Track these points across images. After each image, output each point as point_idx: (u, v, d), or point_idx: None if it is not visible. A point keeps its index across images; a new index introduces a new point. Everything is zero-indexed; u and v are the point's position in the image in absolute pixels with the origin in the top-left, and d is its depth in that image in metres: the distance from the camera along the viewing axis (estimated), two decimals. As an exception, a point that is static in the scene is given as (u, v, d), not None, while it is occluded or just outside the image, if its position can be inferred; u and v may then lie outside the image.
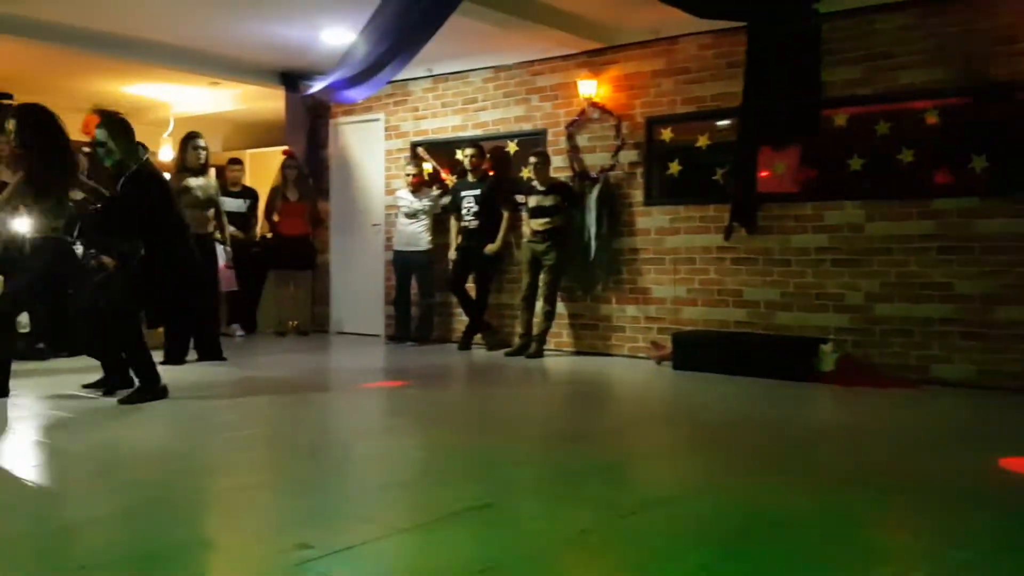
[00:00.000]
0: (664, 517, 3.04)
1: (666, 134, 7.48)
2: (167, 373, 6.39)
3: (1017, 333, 5.88)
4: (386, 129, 9.27)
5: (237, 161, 9.25)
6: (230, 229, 7.60)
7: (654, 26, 7.16)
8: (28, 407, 5.05)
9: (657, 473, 3.82)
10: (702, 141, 7.24)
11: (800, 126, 6.57)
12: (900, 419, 5.10)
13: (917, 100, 6.33)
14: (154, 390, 5.22)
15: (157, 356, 6.72)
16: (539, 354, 7.45)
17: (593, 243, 7.59)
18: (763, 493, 3.33)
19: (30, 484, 3.43)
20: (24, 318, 6.89)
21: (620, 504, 3.19)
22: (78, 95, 10.10)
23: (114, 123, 5.24)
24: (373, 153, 9.39)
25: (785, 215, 6.85)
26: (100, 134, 5.19)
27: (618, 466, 3.86)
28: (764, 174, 6.92)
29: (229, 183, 8.73)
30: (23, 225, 5.26)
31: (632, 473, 3.81)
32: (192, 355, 6.93)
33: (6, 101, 10.02)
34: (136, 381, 5.27)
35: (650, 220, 7.54)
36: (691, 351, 6.79)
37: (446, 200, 8.34)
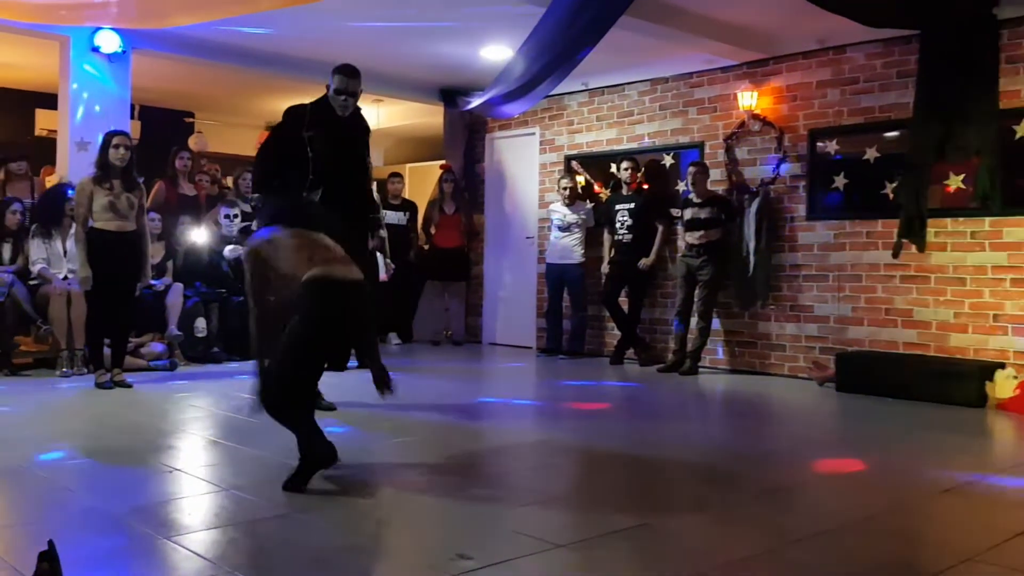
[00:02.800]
0: (832, 546, 2.94)
1: (831, 146, 7.22)
2: (330, 378, 6.77)
3: None
4: (541, 143, 9.40)
5: (397, 175, 9.62)
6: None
7: (820, 35, 6.93)
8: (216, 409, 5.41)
9: (825, 501, 3.68)
10: (870, 154, 6.95)
11: (979, 139, 6.18)
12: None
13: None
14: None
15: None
16: (693, 371, 7.34)
17: (752, 258, 7.41)
18: (933, 528, 3.16)
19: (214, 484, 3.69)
20: (200, 323, 7.44)
21: (786, 530, 3.11)
22: (254, 113, 10.83)
23: None
24: (528, 167, 9.53)
25: (960, 231, 6.47)
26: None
27: (784, 490, 3.76)
28: (947, 189, 6.56)
29: (390, 196, 9.10)
30: None
31: (799, 499, 3.70)
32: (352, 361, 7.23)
33: (188, 119, 10.87)
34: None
35: (813, 235, 7.29)
36: (857, 372, 6.51)
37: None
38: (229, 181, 8.90)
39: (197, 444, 4.53)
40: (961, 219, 6.47)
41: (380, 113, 10.27)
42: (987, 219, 6.34)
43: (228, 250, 7.71)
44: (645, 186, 8.26)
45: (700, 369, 7.46)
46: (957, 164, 6.44)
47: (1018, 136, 6.21)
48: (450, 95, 9.35)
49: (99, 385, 5.95)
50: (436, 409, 5.57)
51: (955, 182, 6.50)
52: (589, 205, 8.61)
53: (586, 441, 4.78)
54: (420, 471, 4.05)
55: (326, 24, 6.97)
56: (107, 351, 6.12)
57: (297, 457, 3.44)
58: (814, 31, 6.81)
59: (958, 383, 5.99)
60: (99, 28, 7.15)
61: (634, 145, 8.57)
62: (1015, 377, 5.86)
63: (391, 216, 8.69)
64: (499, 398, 6.50)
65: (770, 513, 3.38)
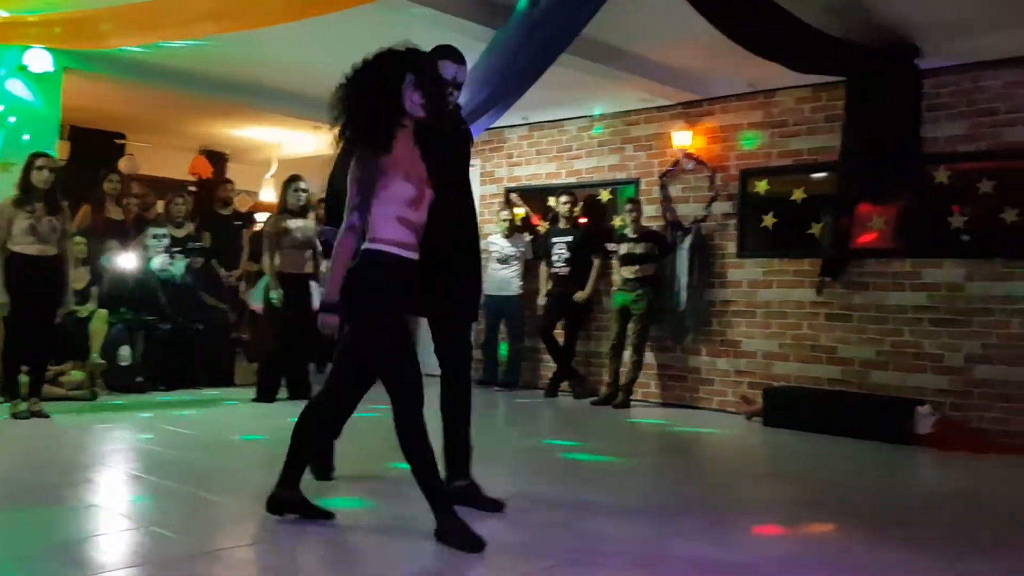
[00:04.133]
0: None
1: (761, 186, 7.41)
2: (257, 410, 6.67)
3: None
4: (481, 175, 9.45)
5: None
6: None
7: (751, 79, 7.14)
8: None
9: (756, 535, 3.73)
10: (798, 195, 7.15)
11: (900, 182, 6.43)
12: (1008, 486, 4.88)
13: (1021, 159, 6.14)
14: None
15: (249, 392, 7.06)
16: (626, 404, 7.41)
17: (684, 293, 7.54)
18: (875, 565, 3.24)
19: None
20: (125, 351, 7.25)
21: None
22: (188, 135, 10.66)
23: None
24: (466, 197, 9.54)
25: (883, 272, 6.69)
26: None
27: (703, 526, 3.80)
28: (863, 233, 6.78)
29: (323, 222, 9.01)
30: None
31: (727, 532, 3.74)
32: (283, 393, 7.14)
33: (119, 141, 10.64)
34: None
35: (743, 272, 7.46)
36: (783, 407, 6.66)
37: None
38: (160, 205, 8.73)
39: (117, 478, 4.39)
40: (883, 260, 6.69)
41: (320, 139, 10.21)
42: (908, 260, 6.57)
43: (158, 262, 7.58)
44: (582, 220, 8.36)
45: (633, 402, 7.54)
46: (880, 207, 6.67)
47: (937, 181, 6.47)
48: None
49: (15, 415, 5.74)
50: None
51: (878, 224, 6.72)
52: (527, 237, 8.67)
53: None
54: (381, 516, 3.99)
55: (265, 49, 6.92)
56: (27, 379, 5.91)
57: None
58: (746, 74, 7.02)
59: (879, 419, 6.16)
60: (28, 47, 6.97)
61: (573, 179, 8.67)
62: (933, 414, 6.05)
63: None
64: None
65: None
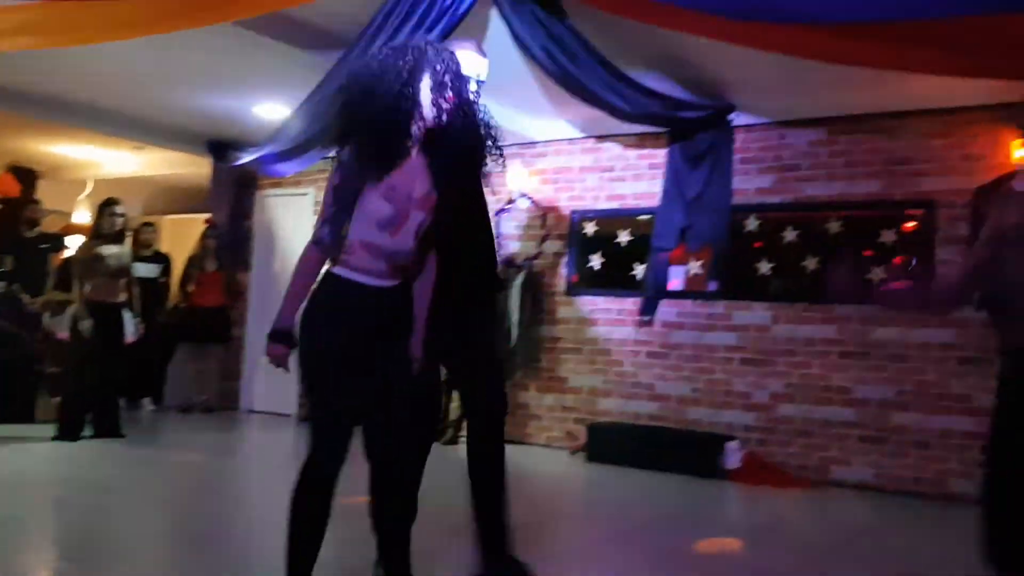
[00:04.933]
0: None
1: (589, 228, 7.69)
2: (58, 450, 6.20)
3: (911, 439, 6.14)
4: (315, 204, 9.27)
5: (150, 224, 9.10)
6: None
7: (583, 125, 7.42)
8: None
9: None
10: (623, 236, 7.47)
11: (713, 229, 6.84)
12: (798, 521, 5.23)
13: (821, 211, 6.68)
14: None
15: (49, 430, 6.55)
16: (454, 441, 7.41)
17: (514, 330, 7.67)
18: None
19: None
20: None
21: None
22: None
23: None
24: (299, 227, 9.34)
25: (697, 312, 7.07)
26: None
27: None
28: (680, 275, 7.15)
29: (141, 246, 8.59)
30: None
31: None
32: (88, 430, 6.69)
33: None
34: None
35: (571, 310, 7.68)
36: (604, 443, 6.87)
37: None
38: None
39: None
40: (698, 301, 7.07)
41: (141, 160, 9.73)
42: (721, 302, 6.98)
43: None
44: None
45: (460, 439, 7.54)
46: (695, 251, 7.07)
47: (747, 229, 6.93)
48: (220, 148, 9.01)
49: None
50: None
51: (694, 267, 7.12)
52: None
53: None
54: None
55: (84, 65, 6.53)
56: None
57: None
58: (577, 119, 7.28)
59: (693, 454, 6.47)
60: None
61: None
62: (740, 449, 6.42)
63: (142, 268, 8.16)
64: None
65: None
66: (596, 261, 7.62)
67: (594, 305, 7.58)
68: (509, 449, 3.36)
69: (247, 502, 5.29)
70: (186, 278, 8.93)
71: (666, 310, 7.16)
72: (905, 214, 6.39)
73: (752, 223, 6.93)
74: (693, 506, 5.49)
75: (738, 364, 6.87)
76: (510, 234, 8.04)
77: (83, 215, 9.78)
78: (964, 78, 5.03)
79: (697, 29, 4.72)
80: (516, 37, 5.20)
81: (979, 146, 6.13)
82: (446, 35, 4.78)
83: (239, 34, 5.48)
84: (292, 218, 9.43)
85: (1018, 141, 5.93)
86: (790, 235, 6.76)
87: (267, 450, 7.44)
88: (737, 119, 6.74)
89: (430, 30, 4.86)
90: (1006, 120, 5.99)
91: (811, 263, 6.64)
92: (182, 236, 10.01)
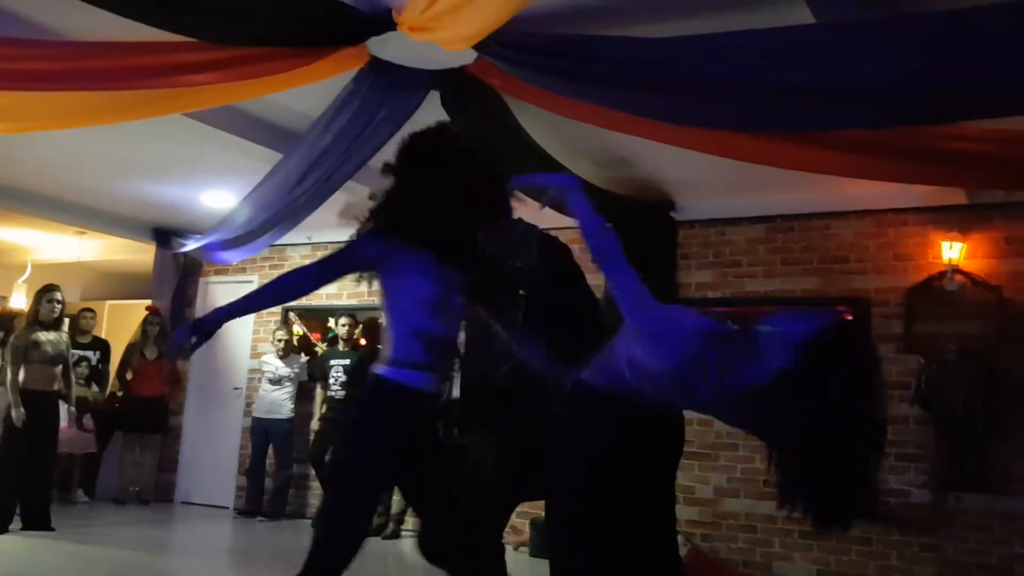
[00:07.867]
0: None
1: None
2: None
3: (853, 535, 6.17)
4: (258, 292, 9.19)
5: (89, 310, 8.93)
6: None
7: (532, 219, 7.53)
8: None
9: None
10: (568, 329, 7.53)
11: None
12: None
13: (761, 306, 6.84)
14: None
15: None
16: (396, 535, 7.23)
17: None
18: None
19: None
20: None
21: None
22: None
23: None
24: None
25: (643, 406, 7.10)
26: None
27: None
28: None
29: (79, 332, 8.40)
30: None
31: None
32: (16, 523, 6.40)
33: None
34: None
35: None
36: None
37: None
38: None
39: None
40: (644, 395, 7.11)
41: (82, 245, 9.59)
42: (665, 396, 7.03)
43: None
44: (362, 342, 8.30)
45: (404, 533, 7.37)
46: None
47: (690, 324, 7.05)
48: (164, 235, 8.96)
49: None
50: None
51: (639, 361, 7.18)
52: (303, 359, 8.48)
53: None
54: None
55: (29, 151, 6.48)
56: None
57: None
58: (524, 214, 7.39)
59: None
60: None
61: (354, 301, 8.64)
62: (684, 544, 6.38)
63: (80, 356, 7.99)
64: None
65: None
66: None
67: (540, 397, 7.57)
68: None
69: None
70: (124, 366, 8.73)
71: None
72: (839, 311, 6.57)
73: (694, 317, 7.05)
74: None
75: (683, 458, 6.85)
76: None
77: (21, 300, 9.55)
78: (893, 183, 5.28)
79: (633, 130, 4.88)
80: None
81: (910, 247, 6.38)
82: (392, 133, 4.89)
83: (188, 124, 5.51)
84: (236, 306, 9.32)
85: (947, 243, 6.19)
86: (731, 330, 6.89)
87: (203, 545, 7.17)
88: (678, 216, 6.93)
89: (379, 125, 4.97)
90: (936, 223, 6.27)
91: (752, 358, 6.75)
92: (121, 322, 9.82)
